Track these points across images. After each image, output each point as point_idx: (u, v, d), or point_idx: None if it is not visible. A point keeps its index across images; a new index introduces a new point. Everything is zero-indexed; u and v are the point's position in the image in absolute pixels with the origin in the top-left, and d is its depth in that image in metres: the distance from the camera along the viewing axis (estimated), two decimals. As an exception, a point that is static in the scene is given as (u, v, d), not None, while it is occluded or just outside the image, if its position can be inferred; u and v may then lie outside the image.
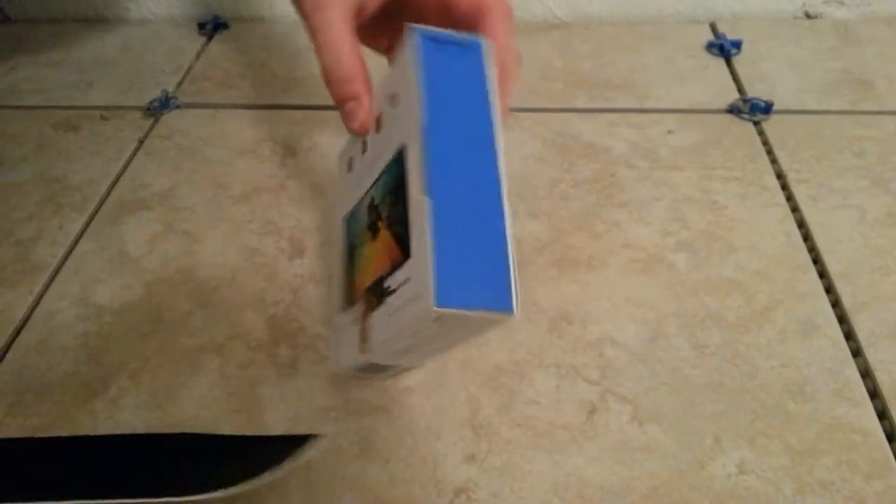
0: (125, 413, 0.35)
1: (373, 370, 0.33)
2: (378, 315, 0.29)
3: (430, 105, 0.27)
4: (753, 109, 0.51)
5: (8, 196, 0.48)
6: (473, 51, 0.29)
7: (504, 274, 0.24)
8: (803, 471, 0.31)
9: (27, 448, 0.32)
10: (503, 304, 0.24)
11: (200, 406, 0.35)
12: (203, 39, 0.65)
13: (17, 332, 0.39)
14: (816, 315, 0.38)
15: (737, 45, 0.58)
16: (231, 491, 0.28)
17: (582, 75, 0.57)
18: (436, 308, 0.23)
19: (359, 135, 0.33)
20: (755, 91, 0.53)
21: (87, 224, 0.46)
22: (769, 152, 0.48)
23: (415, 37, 0.28)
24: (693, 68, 0.57)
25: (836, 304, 0.38)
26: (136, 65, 0.61)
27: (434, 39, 0.28)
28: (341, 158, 0.39)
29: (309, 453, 0.30)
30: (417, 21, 0.29)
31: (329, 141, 0.51)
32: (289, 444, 0.30)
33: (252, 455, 0.31)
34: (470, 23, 0.32)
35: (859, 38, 0.59)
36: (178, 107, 0.56)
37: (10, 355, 0.38)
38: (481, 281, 0.24)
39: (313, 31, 0.31)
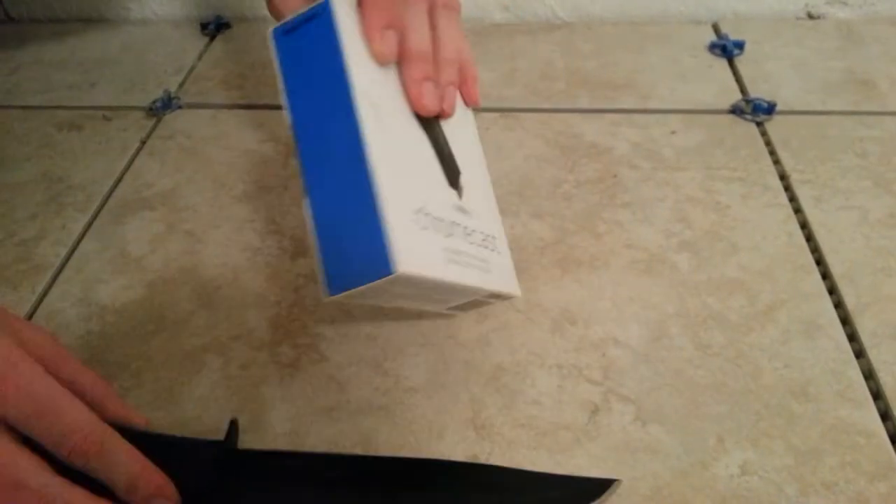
0: (127, 413, 0.35)
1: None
2: None
3: (291, 100, 0.28)
4: (756, 110, 0.51)
5: (11, 196, 0.48)
6: (321, 14, 0.28)
7: (380, 242, 0.25)
8: (807, 471, 0.31)
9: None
10: (383, 270, 0.25)
11: (202, 406, 0.35)
12: (205, 39, 0.65)
13: (20, 332, 0.39)
14: (819, 316, 0.37)
15: (739, 45, 0.58)
16: None
17: (584, 75, 0.57)
18: (329, 298, 0.26)
19: None
20: (758, 91, 0.53)
21: (90, 224, 0.46)
22: (772, 153, 0.48)
23: (269, 40, 0.29)
24: (696, 69, 0.57)
25: (839, 304, 0.38)
26: (138, 65, 0.61)
27: (285, 31, 0.29)
28: None
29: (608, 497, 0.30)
30: None
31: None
32: (588, 487, 0.30)
33: (550, 494, 0.30)
34: None
35: (862, 39, 0.59)
36: (180, 107, 0.56)
37: (12, 355, 0.38)
38: (363, 257, 0.26)
39: None
